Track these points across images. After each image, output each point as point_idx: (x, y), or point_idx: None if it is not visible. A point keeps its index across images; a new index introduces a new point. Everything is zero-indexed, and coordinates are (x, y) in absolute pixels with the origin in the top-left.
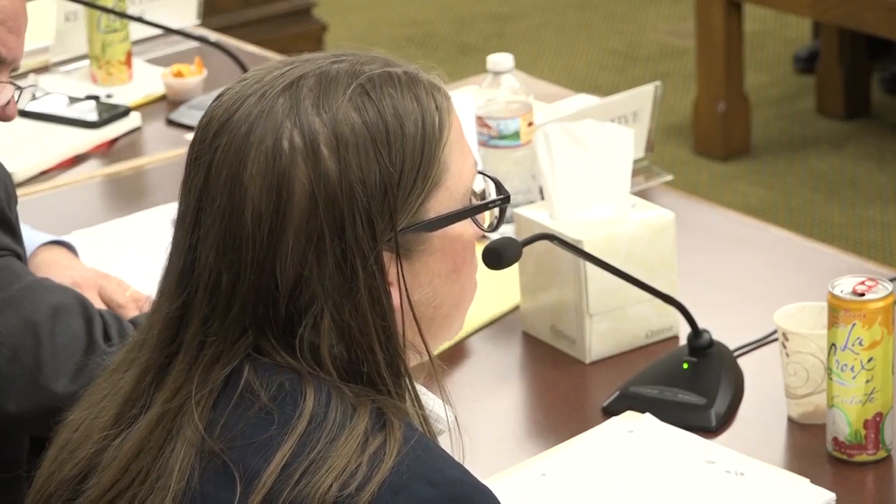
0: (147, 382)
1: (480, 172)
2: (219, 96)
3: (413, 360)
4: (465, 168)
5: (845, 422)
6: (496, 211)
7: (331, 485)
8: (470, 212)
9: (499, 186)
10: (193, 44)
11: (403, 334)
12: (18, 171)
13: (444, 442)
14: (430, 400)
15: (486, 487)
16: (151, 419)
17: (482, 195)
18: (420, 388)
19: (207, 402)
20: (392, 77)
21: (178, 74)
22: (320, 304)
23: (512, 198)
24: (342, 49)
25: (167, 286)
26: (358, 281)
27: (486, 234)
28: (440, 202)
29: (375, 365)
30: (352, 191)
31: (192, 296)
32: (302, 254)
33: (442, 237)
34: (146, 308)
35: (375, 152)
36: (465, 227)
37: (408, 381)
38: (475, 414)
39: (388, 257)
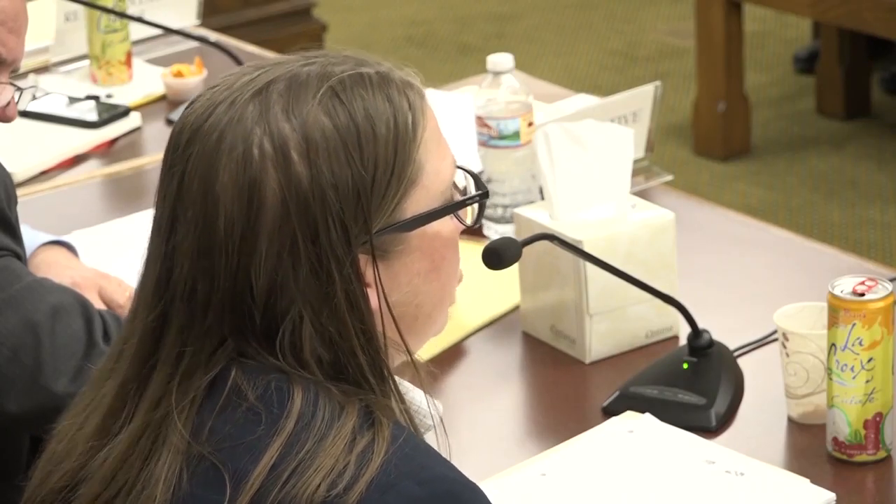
0: (129, 393)
1: (459, 167)
2: (191, 103)
3: (398, 359)
4: (442, 167)
5: (845, 422)
6: (476, 206)
7: (319, 484)
8: (445, 210)
9: (478, 182)
10: (193, 44)
11: (384, 336)
12: (18, 171)
13: (431, 439)
14: (416, 396)
15: (475, 485)
16: (135, 430)
17: (464, 191)
18: (407, 385)
19: (191, 409)
20: (363, 78)
21: (178, 74)
22: (298, 310)
23: (512, 198)
24: (314, 51)
25: (143, 296)
26: (334, 285)
27: (469, 227)
28: (417, 201)
29: (358, 367)
30: (324, 196)
31: (170, 305)
32: (276, 260)
33: (420, 236)
34: None
35: (347, 156)
36: (443, 225)
37: (391, 383)
38: (475, 414)
39: (364, 260)
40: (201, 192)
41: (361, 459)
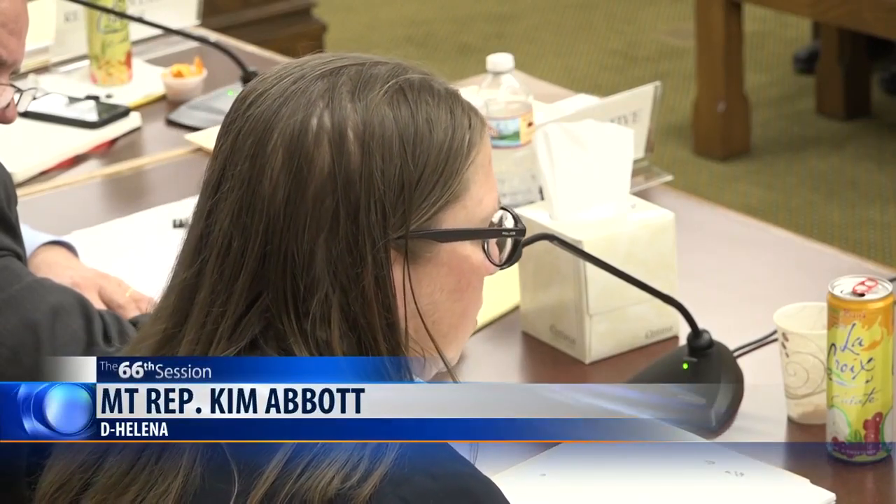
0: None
1: (503, 208)
2: (260, 75)
3: (420, 361)
4: (486, 198)
5: (845, 422)
6: (509, 246)
7: (332, 477)
8: (478, 233)
9: (517, 222)
10: (193, 44)
11: (406, 333)
12: (18, 171)
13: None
14: None
15: (490, 480)
16: None
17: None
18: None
19: None
20: (432, 87)
21: (178, 75)
22: (328, 286)
23: (512, 198)
24: (388, 55)
25: (184, 253)
26: (366, 267)
27: (499, 268)
28: (455, 217)
29: (379, 356)
30: (370, 179)
31: (205, 263)
32: (315, 231)
33: (451, 252)
34: (146, 308)
35: (400, 149)
36: (474, 251)
37: (409, 378)
38: None
39: (395, 257)
40: (252, 151)
41: (376, 453)
